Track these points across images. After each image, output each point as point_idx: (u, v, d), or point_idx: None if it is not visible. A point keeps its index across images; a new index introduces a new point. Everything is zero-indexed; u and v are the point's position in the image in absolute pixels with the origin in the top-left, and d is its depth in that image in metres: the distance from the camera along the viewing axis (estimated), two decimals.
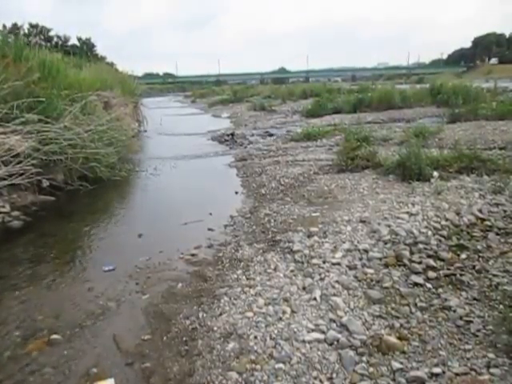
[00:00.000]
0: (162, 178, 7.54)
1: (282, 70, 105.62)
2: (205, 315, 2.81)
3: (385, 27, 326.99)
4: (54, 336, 2.70)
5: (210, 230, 4.64)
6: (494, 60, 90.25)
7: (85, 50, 39.62)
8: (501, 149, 6.95)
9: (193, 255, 3.94)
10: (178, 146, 11.28)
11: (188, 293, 3.21)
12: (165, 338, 2.64)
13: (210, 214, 5.20)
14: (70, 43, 46.63)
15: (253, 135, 12.24)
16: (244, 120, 16.93)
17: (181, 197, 6.42)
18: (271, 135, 11.97)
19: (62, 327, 2.81)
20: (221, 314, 2.78)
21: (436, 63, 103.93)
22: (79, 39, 49.02)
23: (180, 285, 3.35)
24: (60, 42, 44.24)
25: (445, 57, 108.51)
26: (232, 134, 12.16)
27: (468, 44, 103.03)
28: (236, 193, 6.16)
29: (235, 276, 3.35)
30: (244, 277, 3.30)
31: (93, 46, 49.91)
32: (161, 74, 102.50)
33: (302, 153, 8.46)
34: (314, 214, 4.57)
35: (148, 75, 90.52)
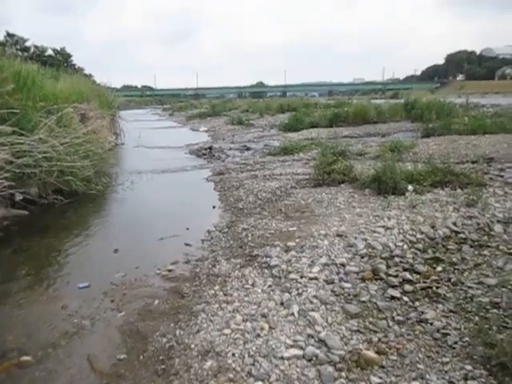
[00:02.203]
0: (139, 191, 7.46)
1: (260, 85, 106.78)
2: (182, 333, 2.76)
3: (360, 44, 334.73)
4: (25, 357, 2.60)
5: (187, 244, 4.59)
6: (460, 76, 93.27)
7: (61, 60, 39.22)
8: (473, 162, 7.13)
9: (170, 271, 3.89)
10: (156, 159, 11.19)
11: (165, 310, 3.15)
12: (141, 357, 2.58)
13: (187, 228, 5.15)
14: (47, 54, 46.03)
15: (230, 149, 12.26)
16: (222, 134, 16.96)
17: (158, 211, 6.34)
18: (249, 149, 12.01)
19: (33, 348, 2.72)
20: (198, 332, 2.73)
21: (410, 79, 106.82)
22: (54, 50, 48.37)
23: (156, 302, 3.29)
24: (37, 53, 43.66)
25: (418, 73, 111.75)
26: (210, 148, 12.15)
27: (441, 61, 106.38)
28: (213, 207, 6.13)
29: (212, 292, 3.31)
30: (221, 293, 3.27)
31: (69, 56, 49.31)
32: (139, 86, 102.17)
33: (279, 167, 8.51)
34: (291, 229, 4.58)
35: (126, 87, 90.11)
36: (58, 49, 49.20)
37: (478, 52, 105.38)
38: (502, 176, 6.02)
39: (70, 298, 3.41)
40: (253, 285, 3.34)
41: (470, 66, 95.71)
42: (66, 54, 49.43)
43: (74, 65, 43.72)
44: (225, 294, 3.24)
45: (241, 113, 25.18)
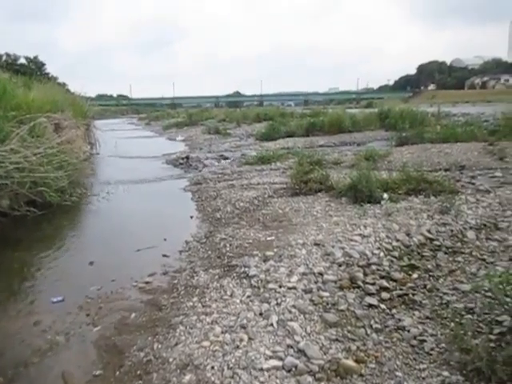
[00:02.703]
0: (115, 202, 7.35)
1: (237, 94, 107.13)
2: (160, 346, 2.72)
3: (335, 54, 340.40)
4: None
5: (164, 256, 4.54)
6: (432, 86, 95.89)
7: (34, 69, 38.53)
8: (446, 170, 7.32)
9: (147, 283, 3.83)
10: (132, 169, 11.07)
11: (142, 323, 3.10)
12: (117, 372, 2.52)
13: (165, 239, 5.10)
14: (19, 62, 45.16)
15: (208, 158, 12.22)
16: (199, 143, 16.92)
17: (134, 222, 6.26)
18: (226, 158, 12.00)
19: (3, 367, 2.63)
20: (176, 345, 2.70)
21: (383, 89, 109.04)
22: (27, 58, 47.46)
23: (133, 315, 3.24)
24: (9, 61, 42.81)
25: (391, 83, 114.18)
26: (187, 158, 12.10)
27: (413, 71, 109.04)
28: (191, 217, 6.09)
29: (191, 304, 3.28)
30: (200, 304, 3.24)
31: (42, 65, 48.48)
32: (115, 95, 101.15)
33: (256, 176, 8.53)
34: (269, 238, 4.59)
35: (101, 97, 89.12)
36: (31, 57, 48.35)
37: (448, 62, 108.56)
38: (473, 183, 6.18)
39: (43, 314, 3.33)
40: (231, 295, 3.32)
41: (441, 76, 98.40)
42: (39, 62, 48.59)
43: (48, 73, 43.08)
44: (203, 306, 3.21)
45: (218, 122, 25.18)
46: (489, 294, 2.90)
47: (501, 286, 2.68)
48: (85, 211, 7.13)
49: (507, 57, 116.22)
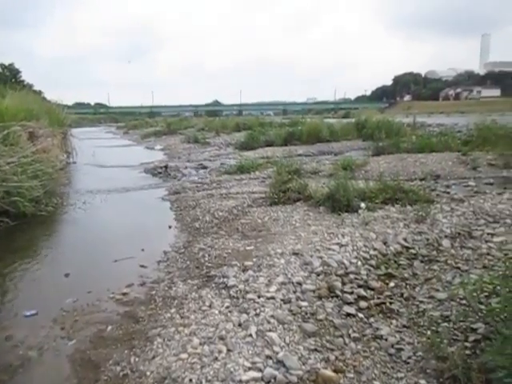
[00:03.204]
0: (92, 212, 7.23)
1: (216, 103, 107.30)
2: (137, 359, 2.67)
3: (313, 64, 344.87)
4: None
5: (142, 266, 4.48)
6: (407, 97, 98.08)
7: (8, 76, 37.79)
8: (421, 180, 7.46)
9: (124, 294, 3.77)
10: (110, 178, 10.93)
11: (118, 336, 3.04)
12: None
13: (143, 249, 5.04)
14: None
15: (186, 168, 12.16)
16: (178, 152, 16.84)
17: (112, 232, 6.17)
18: (205, 168, 11.97)
19: None
20: (154, 357, 2.65)
21: (360, 99, 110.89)
22: (1, 65, 46.51)
23: (110, 327, 3.17)
24: None
25: (369, 93, 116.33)
26: (165, 167, 12.00)
27: (389, 82, 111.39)
28: (169, 227, 6.03)
29: (169, 315, 3.24)
30: (178, 315, 3.20)
31: (17, 72, 47.61)
32: (92, 103, 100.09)
33: (235, 185, 8.52)
34: (248, 248, 4.58)
35: (79, 105, 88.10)
36: (6, 64, 47.43)
37: (423, 74, 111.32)
38: (448, 192, 6.31)
39: (15, 328, 3.23)
40: (210, 306, 3.30)
41: (416, 87, 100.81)
42: (14, 69, 47.71)
43: (23, 81, 42.26)
44: (181, 317, 3.17)
45: (197, 131, 25.11)
46: (464, 301, 2.96)
47: (474, 294, 2.73)
48: (61, 221, 6.99)
49: (479, 69, 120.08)
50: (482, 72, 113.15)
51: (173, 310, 3.31)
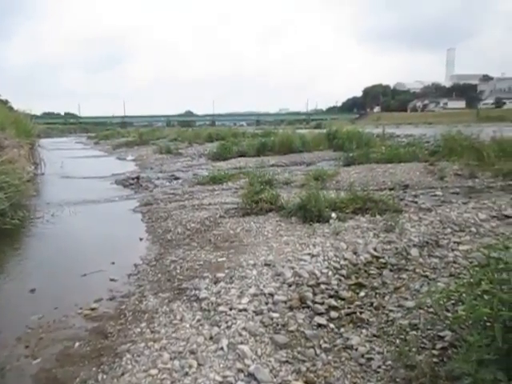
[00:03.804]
0: (61, 225, 7.05)
1: (189, 114, 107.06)
2: (105, 377, 2.60)
3: (285, 76, 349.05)
4: None
5: (112, 280, 4.39)
6: (377, 108, 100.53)
7: None
8: (390, 189, 7.61)
9: (92, 309, 3.68)
10: (79, 190, 10.71)
11: (86, 353, 2.96)
12: None
13: (113, 263, 4.95)
14: None
15: (158, 178, 12.05)
16: (150, 163, 16.68)
17: (81, 246, 6.03)
18: (177, 178, 11.88)
19: None
20: (123, 374, 2.59)
21: (332, 110, 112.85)
22: None
23: (77, 344, 3.09)
24: None
25: (339, 104, 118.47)
26: (137, 178, 11.87)
27: (359, 93, 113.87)
28: (140, 239, 5.95)
29: (139, 330, 3.18)
30: (148, 330, 3.15)
31: None
32: (62, 113, 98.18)
33: (208, 196, 8.49)
34: (220, 259, 4.56)
35: (48, 115, 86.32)
36: None
37: (391, 86, 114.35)
38: (416, 202, 6.46)
39: None
40: (181, 320, 3.26)
41: (385, 99, 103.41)
42: None
43: None
44: (152, 332, 3.12)
45: (169, 141, 25.00)
46: (431, 310, 3.02)
47: (441, 302, 2.80)
48: (27, 235, 6.78)
49: (445, 82, 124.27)
50: (448, 84, 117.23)
51: (143, 325, 3.26)
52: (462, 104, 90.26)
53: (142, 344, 2.92)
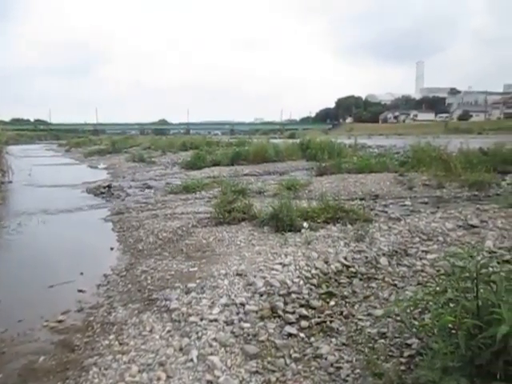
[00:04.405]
0: (28, 234, 6.87)
1: (163, 122, 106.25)
2: None
3: (261, 85, 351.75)
4: None
5: (80, 291, 4.30)
6: (349, 119, 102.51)
7: None
8: (361, 199, 7.74)
9: (59, 322, 3.59)
10: (48, 198, 10.44)
11: (51, 367, 2.88)
12: None
13: (82, 273, 4.85)
14: None
15: (131, 187, 11.90)
16: (122, 171, 16.47)
17: (48, 256, 5.88)
18: (150, 187, 11.76)
19: None
20: None
21: (306, 120, 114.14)
22: None
23: (42, 358, 3.00)
24: None
25: (313, 115, 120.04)
26: (109, 186, 11.68)
27: (332, 104, 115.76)
28: (111, 249, 5.85)
29: (107, 342, 3.11)
30: (117, 342, 3.09)
31: None
32: (32, 120, 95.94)
33: (180, 205, 8.44)
34: (192, 269, 4.53)
35: (17, 121, 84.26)
36: None
37: (363, 98, 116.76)
38: (385, 212, 6.58)
39: None
40: (151, 331, 3.21)
41: (358, 110, 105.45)
42: None
43: None
44: (120, 344, 3.06)
45: (143, 150, 24.82)
46: (399, 318, 3.07)
47: (408, 311, 2.85)
48: None
49: (415, 94, 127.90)
50: (418, 97, 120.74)
51: (111, 337, 3.19)
52: (431, 116, 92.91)
53: (109, 357, 2.86)
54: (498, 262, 3.84)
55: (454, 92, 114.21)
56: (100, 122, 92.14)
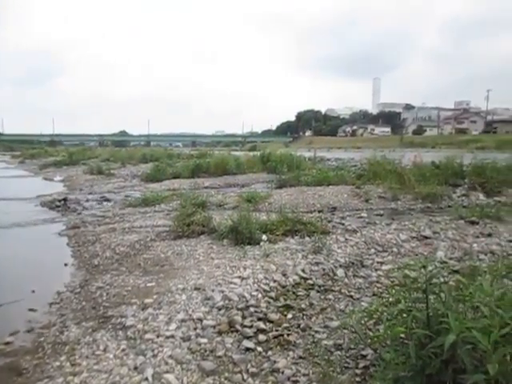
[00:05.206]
0: None
1: (123, 134, 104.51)
2: None
3: (222, 98, 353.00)
4: None
5: (31, 310, 4.11)
6: (309, 132, 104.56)
7: None
8: (319, 211, 7.86)
9: (7, 344, 3.40)
10: None
11: None
12: None
13: (33, 291, 4.64)
14: None
15: (88, 200, 11.58)
16: (79, 184, 16.02)
17: None
18: (108, 200, 11.49)
19: None
20: None
21: (267, 133, 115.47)
22: None
23: None
24: None
25: (274, 128, 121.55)
26: (65, 200, 11.31)
27: (293, 118, 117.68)
28: (65, 265, 5.65)
29: (58, 363, 2.99)
30: (68, 363, 2.97)
31: None
32: None
33: (139, 219, 8.28)
34: (149, 284, 4.45)
35: None
36: None
37: (323, 111, 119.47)
38: (343, 224, 6.71)
39: None
40: (105, 350, 3.11)
41: (317, 124, 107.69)
42: None
43: None
44: (72, 365, 2.95)
45: (101, 162, 24.28)
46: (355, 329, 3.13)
47: (362, 322, 2.91)
48: None
49: (372, 109, 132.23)
50: (375, 111, 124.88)
51: (63, 358, 3.07)
52: (387, 130, 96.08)
53: (60, 379, 2.75)
54: (450, 272, 4.03)
55: (408, 107, 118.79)
56: (57, 133, 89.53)
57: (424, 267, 2.56)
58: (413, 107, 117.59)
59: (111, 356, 3.00)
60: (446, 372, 2.10)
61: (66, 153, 31.39)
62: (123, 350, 3.09)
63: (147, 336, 3.22)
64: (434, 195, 8.55)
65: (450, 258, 4.85)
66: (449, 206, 8.06)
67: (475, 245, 5.29)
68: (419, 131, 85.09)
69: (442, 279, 2.57)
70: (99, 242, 6.62)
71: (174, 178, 15.12)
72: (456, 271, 4.16)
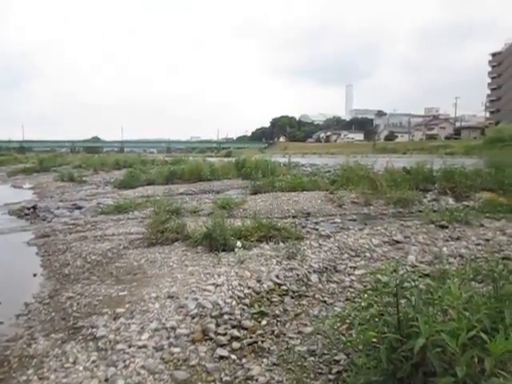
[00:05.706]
0: None
1: (96, 139, 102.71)
2: None
3: (197, 104, 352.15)
4: None
5: None
6: (283, 138, 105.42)
7: None
8: (293, 217, 7.90)
9: None
10: None
11: None
12: None
13: None
14: None
15: (59, 208, 11.31)
16: (50, 191, 15.64)
17: None
18: (79, 208, 11.25)
19: None
20: None
21: (242, 139, 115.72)
22: None
23: None
24: None
25: (249, 134, 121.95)
26: (34, 207, 11.02)
27: (267, 124, 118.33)
28: (34, 275, 5.49)
29: (25, 378, 2.89)
30: (36, 377, 2.87)
31: None
32: None
33: (112, 226, 8.14)
34: (121, 293, 4.36)
35: None
36: None
37: (297, 117, 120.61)
38: (316, 229, 6.77)
39: None
40: (74, 362, 3.03)
41: (292, 130, 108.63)
42: None
43: None
44: (40, 378, 2.85)
45: (73, 168, 23.82)
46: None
47: (335, 327, 2.93)
48: None
49: (345, 115, 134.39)
50: (348, 118, 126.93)
51: (30, 371, 2.97)
52: (360, 136, 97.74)
53: None
54: (420, 276, 4.10)
55: (380, 114, 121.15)
56: (27, 139, 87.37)
57: (395, 271, 2.59)
58: (385, 114, 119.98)
59: (81, 368, 2.92)
60: (417, 375, 2.13)
61: (36, 159, 30.65)
62: (93, 361, 3.01)
63: (119, 346, 3.15)
64: (405, 200, 8.71)
65: (421, 262, 4.94)
66: (419, 211, 8.21)
67: (445, 248, 5.41)
68: (391, 137, 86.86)
69: (412, 283, 2.60)
70: (70, 250, 6.47)
71: (148, 184, 14.96)
72: (426, 275, 4.22)
